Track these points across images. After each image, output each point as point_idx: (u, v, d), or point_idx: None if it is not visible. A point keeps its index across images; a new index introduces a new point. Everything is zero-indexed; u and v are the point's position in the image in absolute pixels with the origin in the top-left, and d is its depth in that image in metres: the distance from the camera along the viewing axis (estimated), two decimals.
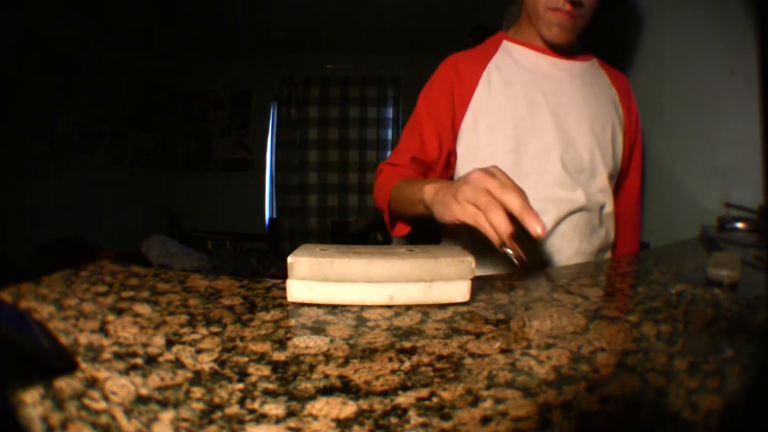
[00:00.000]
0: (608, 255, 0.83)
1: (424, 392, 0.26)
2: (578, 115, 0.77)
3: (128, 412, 0.24)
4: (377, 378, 0.28)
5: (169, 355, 0.31)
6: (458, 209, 0.46)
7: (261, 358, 0.31)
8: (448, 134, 0.80)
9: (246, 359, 0.31)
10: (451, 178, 0.83)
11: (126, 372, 0.28)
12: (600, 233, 0.79)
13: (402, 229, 0.74)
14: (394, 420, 0.24)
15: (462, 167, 0.79)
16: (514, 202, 0.41)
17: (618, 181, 0.86)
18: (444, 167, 0.84)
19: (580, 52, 0.83)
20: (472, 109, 0.77)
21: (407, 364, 0.30)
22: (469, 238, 0.72)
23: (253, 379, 0.28)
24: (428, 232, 0.82)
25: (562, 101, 0.77)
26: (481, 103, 0.77)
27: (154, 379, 0.28)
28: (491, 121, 0.76)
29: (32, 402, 0.24)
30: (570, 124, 0.76)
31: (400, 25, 3.11)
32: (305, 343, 0.34)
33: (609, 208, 0.80)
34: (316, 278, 0.41)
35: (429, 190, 0.55)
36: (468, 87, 0.78)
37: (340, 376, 0.28)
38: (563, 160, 0.75)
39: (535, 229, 0.40)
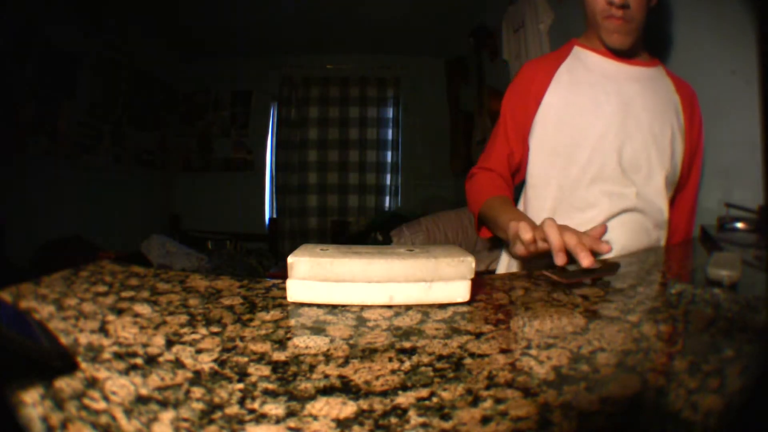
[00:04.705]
0: None
1: (424, 392, 0.26)
2: (638, 116, 0.80)
3: (128, 412, 0.24)
4: (377, 378, 0.28)
5: (169, 355, 0.31)
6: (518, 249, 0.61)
7: (261, 358, 0.31)
8: (528, 135, 0.86)
9: (246, 359, 0.31)
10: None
11: (126, 372, 0.28)
12: (652, 237, 0.81)
13: (487, 233, 0.87)
14: (394, 420, 0.24)
15: (534, 160, 0.86)
16: (570, 239, 0.52)
17: (675, 192, 0.87)
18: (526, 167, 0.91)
19: (646, 58, 0.87)
20: (544, 106, 0.84)
21: (407, 364, 0.30)
22: (532, 263, 0.79)
23: (253, 379, 0.28)
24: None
25: (623, 101, 0.81)
26: (551, 101, 0.84)
27: (154, 379, 0.28)
28: (558, 117, 0.83)
29: (32, 402, 0.24)
30: (630, 123, 0.80)
31: (400, 25, 3.11)
32: (305, 343, 0.34)
33: (666, 214, 0.82)
34: (316, 278, 0.41)
35: (511, 228, 0.64)
36: (542, 86, 0.85)
37: (340, 376, 0.28)
38: (620, 156, 0.79)
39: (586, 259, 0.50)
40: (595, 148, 0.80)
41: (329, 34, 3.29)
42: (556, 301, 0.44)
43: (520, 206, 0.92)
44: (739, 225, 0.79)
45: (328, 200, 3.89)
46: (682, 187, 0.89)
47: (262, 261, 3.04)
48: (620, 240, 0.78)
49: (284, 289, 0.43)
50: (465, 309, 0.41)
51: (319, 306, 0.42)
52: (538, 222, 0.84)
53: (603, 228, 0.58)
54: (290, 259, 0.41)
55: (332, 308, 0.41)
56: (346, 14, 2.96)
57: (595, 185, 0.79)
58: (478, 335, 0.35)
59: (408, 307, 0.41)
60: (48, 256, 2.22)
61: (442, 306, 0.42)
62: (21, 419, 0.23)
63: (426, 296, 0.42)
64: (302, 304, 0.42)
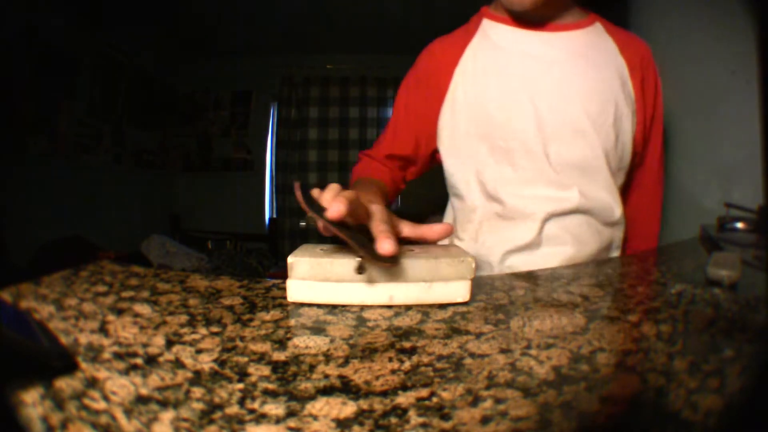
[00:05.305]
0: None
1: (424, 392, 0.26)
2: (568, 102, 0.66)
3: (128, 412, 0.24)
4: (377, 378, 0.28)
5: (169, 355, 0.31)
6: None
7: (261, 358, 0.31)
8: (427, 129, 0.74)
9: (246, 359, 0.31)
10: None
11: (126, 372, 0.28)
12: (603, 237, 0.70)
13: None
14: (394, 420, 0.24)
15: (448, 167, 0.75)
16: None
17: (631, 172, 0.76)
18: (428, 163, 0.80)
19: (575, 18, 0.70)
20: (448, 104, 0.70)
21: (407, 364, 0.30)
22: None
23: (253, 379, 0.28)
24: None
25: (547, 87, 0.66)
26: (457, 97, 0.69)
27: (154, 379, 0.28)
28: (467, 117, 0.69)
29: (32, 402, 0.24)
30: (558, 113, 0.66)
31: (400, 25, 3.11)
32: (305, 343, 0.34)
33: (619, 209, 0.70)
34: (316, 278, 0.41)
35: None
36: (444, 78, 0.70)
37: (340, 376, 0.28)
38: (548, 155, 0.66)
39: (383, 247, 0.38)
40: (517, 150, 0.66)
41: (329, 34, 3.29)
42: (556, 301, 0.44)
43: (448, 218, 0.81)
44: (739, 225, 0.79)
45: None
46: (638, 167, 0.76)
47: (262, 261, 3.04)
48: (566, 249, 0.67)
49: (284, 289, 0.43)
50: (465, 309, 0.41)
51: (319, 306, 0.42)
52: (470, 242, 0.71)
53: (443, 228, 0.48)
54: (290, 259, 0.41)
55: (332, 308, 0.41)
56: (346, 14, 2.96)
57: (526, 191, 0.67)
58: (478, 335, 0.35)
59: (408, 307, 0.41)
60: (48, 256, 2.22)
61: (442, 306, 0.42)
62: (21, 419, 0.23)
63: (426, 296, 0.42)
64: (302, 304, 0.42)
